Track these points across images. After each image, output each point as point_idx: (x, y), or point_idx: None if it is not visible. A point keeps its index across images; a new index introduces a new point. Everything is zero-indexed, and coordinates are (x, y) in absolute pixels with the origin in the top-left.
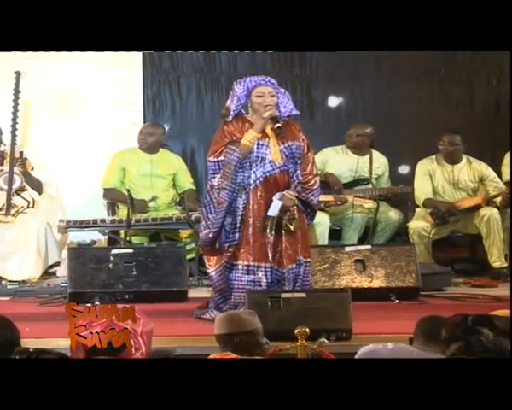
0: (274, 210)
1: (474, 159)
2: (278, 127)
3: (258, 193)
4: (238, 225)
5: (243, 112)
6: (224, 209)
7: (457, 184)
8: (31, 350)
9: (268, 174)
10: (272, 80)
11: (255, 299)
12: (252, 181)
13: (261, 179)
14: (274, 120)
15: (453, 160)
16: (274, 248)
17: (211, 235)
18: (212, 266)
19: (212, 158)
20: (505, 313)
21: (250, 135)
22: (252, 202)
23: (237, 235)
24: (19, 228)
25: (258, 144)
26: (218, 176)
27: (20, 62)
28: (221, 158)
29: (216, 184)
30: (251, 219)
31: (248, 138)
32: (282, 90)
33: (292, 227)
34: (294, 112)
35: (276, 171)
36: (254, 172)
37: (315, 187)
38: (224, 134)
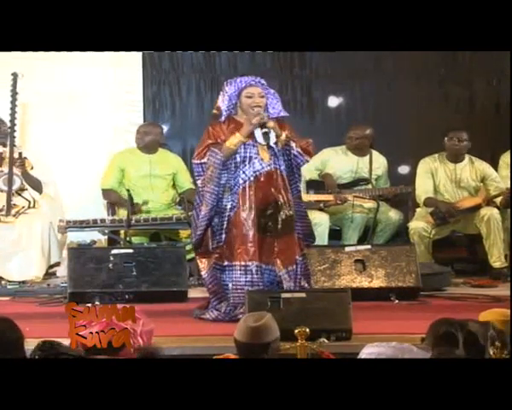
0: (263, 138)
1: (476, 158)
2: (265, 132)
3: (250, 192)
4: (225, 226)
5: (232, 112)
6: (208, 212)
7: (459, 182)
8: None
9: (258, 173)
10: (262, 81)
11: (255, 299)
12: (242, 181)
13: (251, 179)
14: (262, 125)
15: (457, 158)
16: (270, 248)
17: (197, 237)
18: (204, 268)
19: (195, 160)
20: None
21: (236, 139)
22: (244, 202)
23: (223, 236)
24: (21, 228)
25: (245, 144)
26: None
27: (20, 63)
28: (204, 160)
29: (200, 186)
30: (244, 219)
31: (234, 142)
32: (272, 91)
33: (285, 214)
34: (283, 113)
35: (266, 169)
36: (244, 172)
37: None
38: (208, 135)
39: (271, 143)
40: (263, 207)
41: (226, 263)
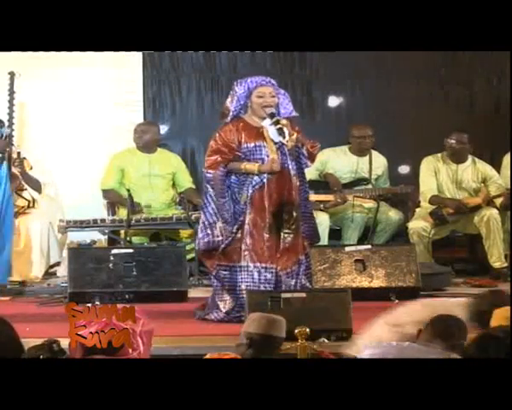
0: (277, 134)
1: (479, 160)
2: (279, 128)
3: (264, 193)
4: (237, 227)
5: (241, 112)
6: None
7: (460, 183)
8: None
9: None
10: (273, 81)
11: (255, 299)
12: (255, 182)
13: (264, 180)
14: (275, 122)
15: (458, 159)
16: (277, 248)
17: (220, 242)
18: (214, 267)
19: (210, 171)
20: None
21: (253, 168)
22: (258, 203)
23: (237, 236)
24: (20, 228)
25: (255, 146)
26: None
27: (20, 63)
28: (217, 172)
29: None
30: (257, 220)
31: (249, 170)
32: (282, 91)
33: (293, 214)
34: (294, 113)
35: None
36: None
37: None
38: (218, 142)
39: (284, 141)
40: (275, 207)
41: (241, 264)
